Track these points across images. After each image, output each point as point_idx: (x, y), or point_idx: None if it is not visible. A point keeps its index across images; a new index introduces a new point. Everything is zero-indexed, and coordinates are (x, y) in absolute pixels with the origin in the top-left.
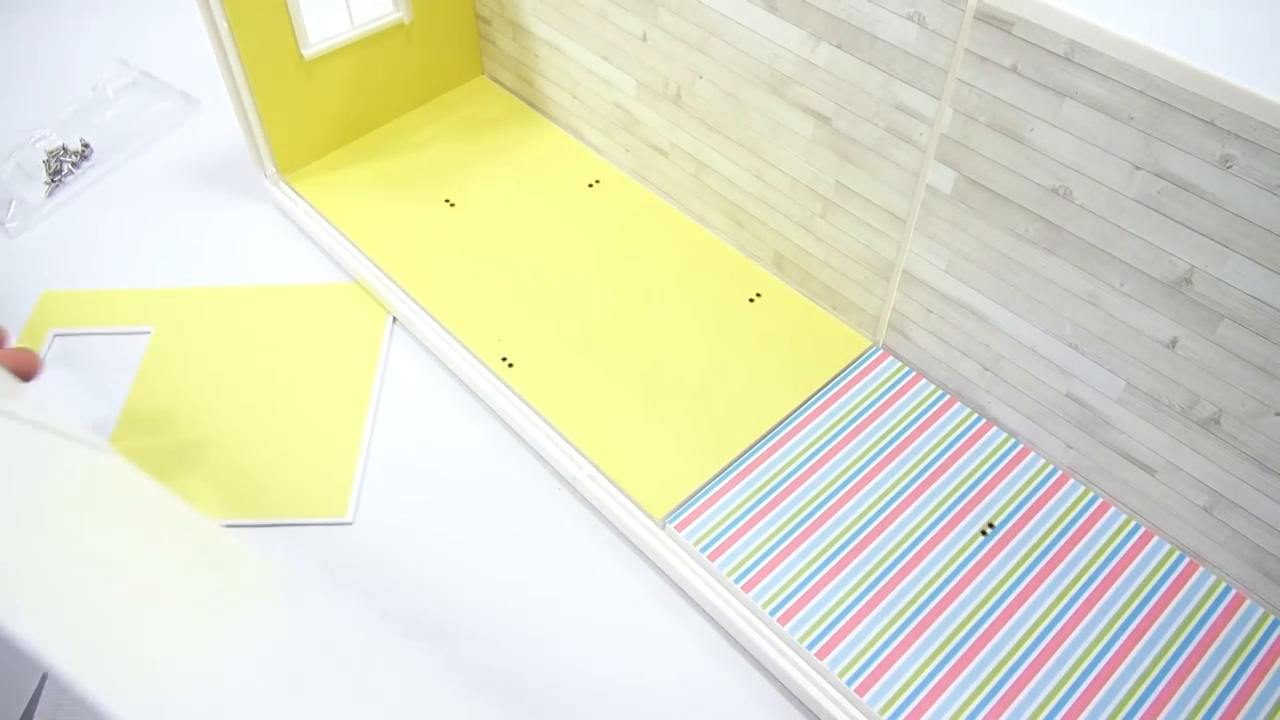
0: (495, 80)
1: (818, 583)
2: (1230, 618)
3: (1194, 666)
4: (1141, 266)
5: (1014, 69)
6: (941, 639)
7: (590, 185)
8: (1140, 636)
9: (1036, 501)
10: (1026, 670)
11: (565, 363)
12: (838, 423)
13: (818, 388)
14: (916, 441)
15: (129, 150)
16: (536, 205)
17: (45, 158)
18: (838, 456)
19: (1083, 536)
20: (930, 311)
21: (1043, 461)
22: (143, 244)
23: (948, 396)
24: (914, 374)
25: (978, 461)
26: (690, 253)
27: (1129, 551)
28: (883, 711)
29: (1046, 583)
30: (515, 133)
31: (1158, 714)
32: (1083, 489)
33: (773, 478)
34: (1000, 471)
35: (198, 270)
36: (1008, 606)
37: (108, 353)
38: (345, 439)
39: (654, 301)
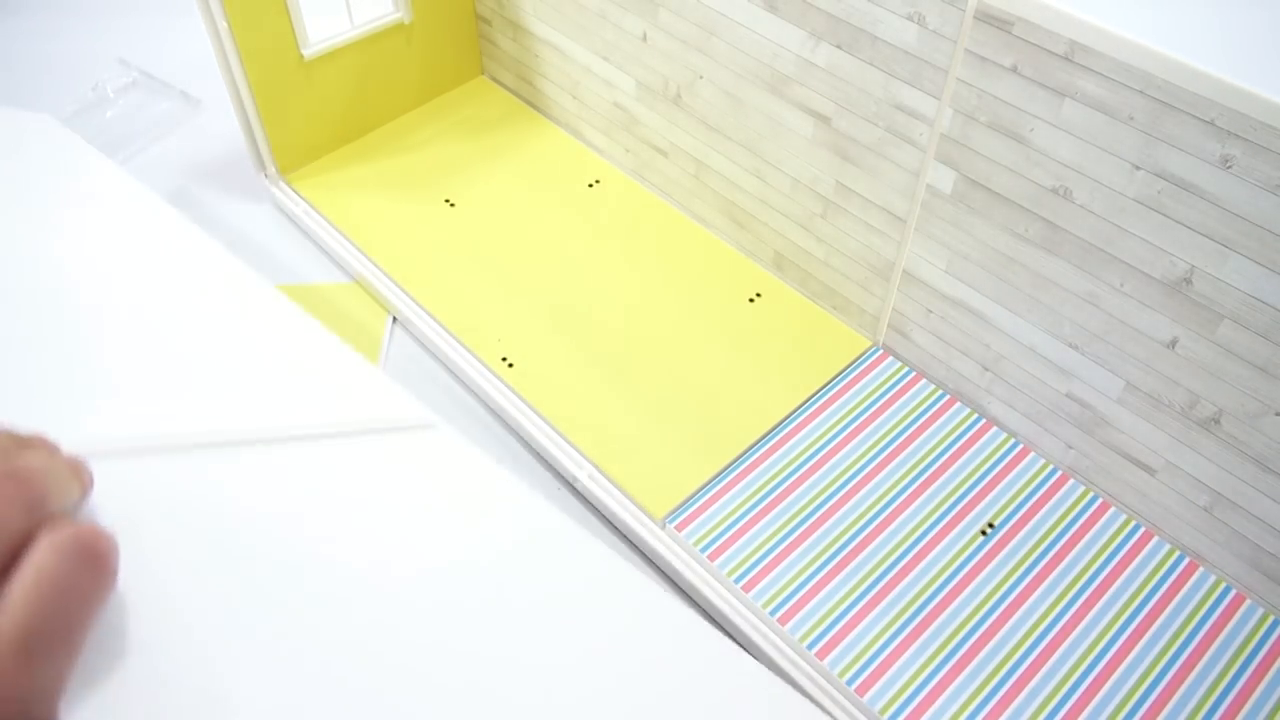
0: (495, 80)
1: (818, 583)
2: (1230, 618)
3: (1194, 666)
4: (1141, 266)
5: (1014, 69)
6: (941, 639)
7: (590, 185)
8: (1140, 636)
9: (1036, 501)
10: (1026, 670)
11: (565, 363)
12: (838, 423)
13: (818, 388)
14: (916, 441)
15: (129, 150)
16: (536, 205)
17: None
18: (838, 456)
19: (1083, 536)
20: (930, 311)
21: (1043, 461)
22: None
23: (948, 396)
24: (914, 374)
25: (978, 461)
26: (690, 253)
27: (1129, 551)
28: (883, 711)
29: (1046, 583)
30: (515, 133)
31: (1158, 714)
32: (1083, 489)
33: (773, 478)
34: (1000, 471)
35: None
36: (1008, 606)
37: None
38: None
39: (654, 301)
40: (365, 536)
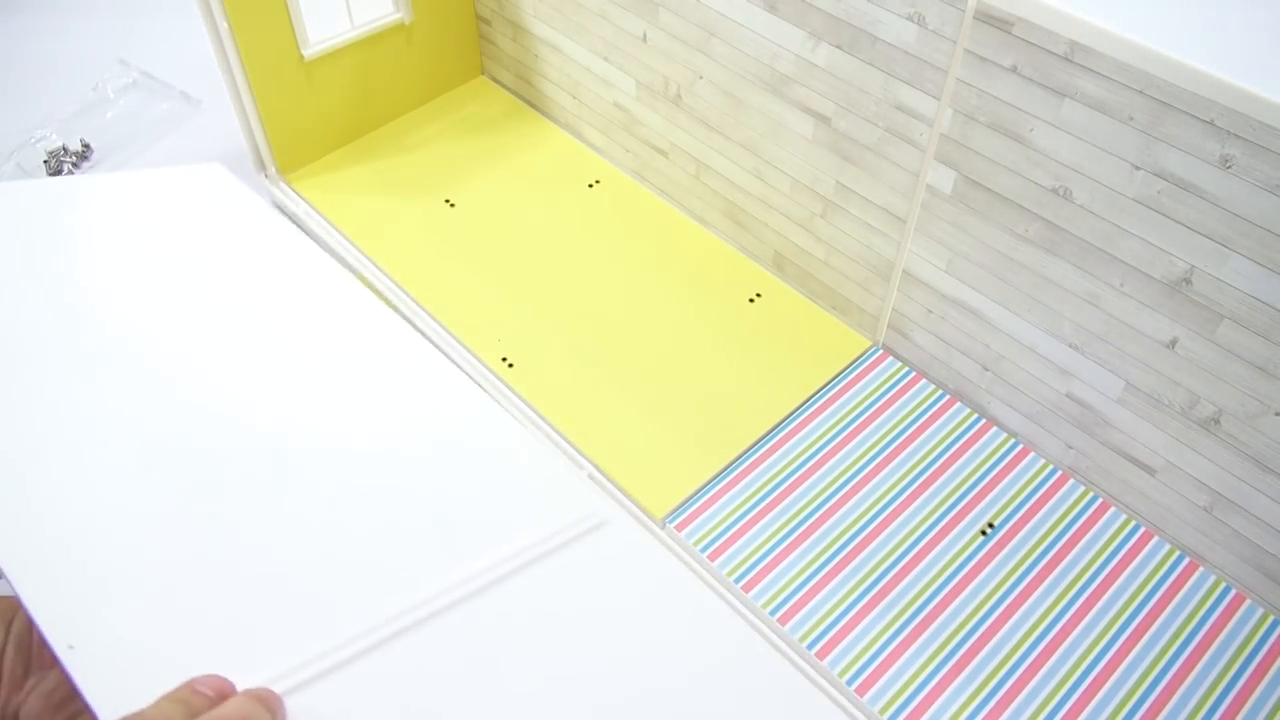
0: (495, 80)
1: (818, 583)
2: (1230, 618)
3: (1194, 666)
4: (1141, 266)
5: (1014, 69)
6: (941, 639)
7: (590, 185)
8: (1140, 636)
9: (1036, 501)
10: (1026, 670)
11: (565, 363)
12: (838, 423)
13: (818, 388)
14: (916, 441)
15: (129, 150)
16: (536, 205)
17: (46, 158)
18: (838, 456)
19: (1083, 536)
20: (930, 311)
21: (1043, 461)
22: None
23: (948, 396)
24: (914, 374)
25: (978, 461)
26: (690, 253)
27: (1129, 551)
28: (883, 711)
29: (1046, 583)
30: (515, 133)
31: (1158, 714)
32: (1083, 489)
33: (773, 478)
34: (1000, 471)
35: None
36: (1008, 606)
37: None
38: None
39: (654, 301)
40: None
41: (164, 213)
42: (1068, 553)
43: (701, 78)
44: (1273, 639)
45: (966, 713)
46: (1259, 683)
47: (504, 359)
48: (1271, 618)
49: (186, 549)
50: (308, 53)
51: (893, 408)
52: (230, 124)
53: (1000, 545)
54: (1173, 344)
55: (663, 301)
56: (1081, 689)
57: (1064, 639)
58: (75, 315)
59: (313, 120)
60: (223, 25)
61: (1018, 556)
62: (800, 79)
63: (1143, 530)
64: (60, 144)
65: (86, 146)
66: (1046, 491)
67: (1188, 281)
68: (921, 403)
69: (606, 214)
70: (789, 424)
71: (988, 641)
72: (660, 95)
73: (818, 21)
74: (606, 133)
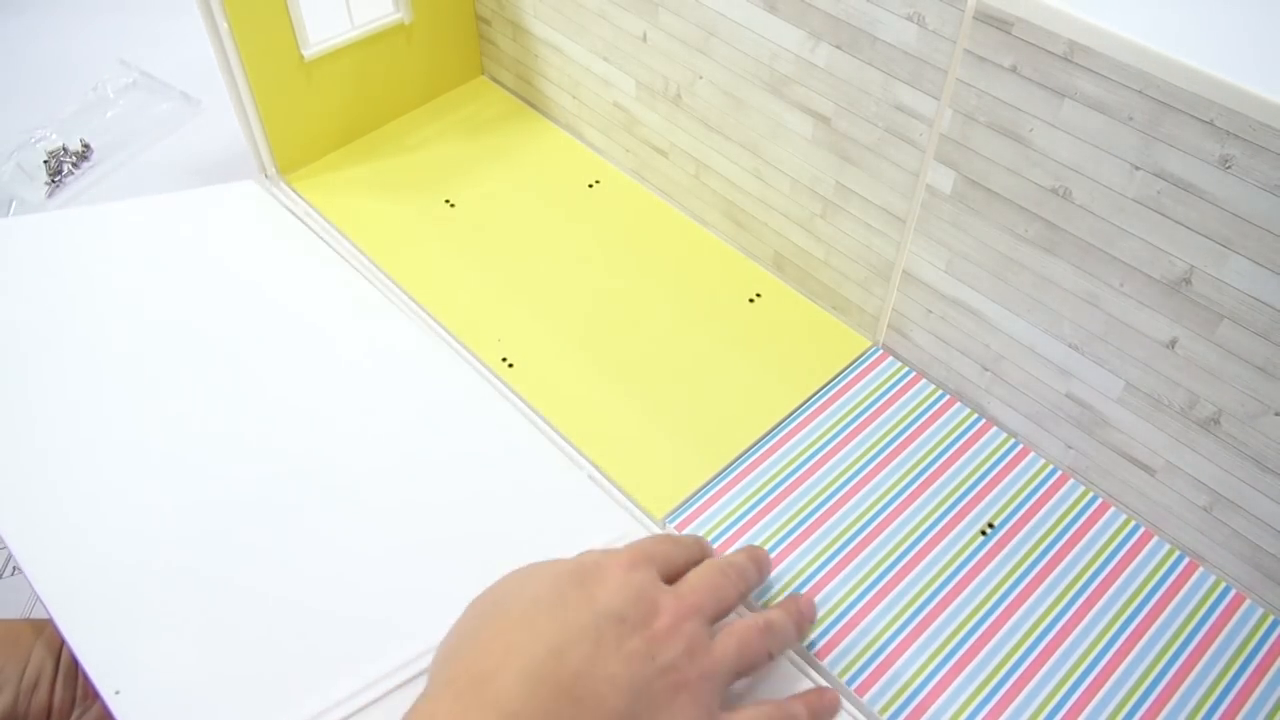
0: (495, 80)
1: (817, 583)
2: (1230, 618)
3: (1194, 666)
4: (1141, 266)
5: (1014, 69)
6: (941, 639)
7: (590, 185)
8: (1140, 636)
9: (1036, 501)
10: (1026, 670)
11: (565, 363)
12: (838, 423)
13: (818, 388)
14: (916, 441)
15: (129, 150)
16: (536, 205)
17: (45, 158)
18: (838, 457)
19: (1082, 537)
20: (930, 311)
21: (1043, 461)
22: None
23: (948, 396)
24: (914, 374)
25: (978, 461)
26: (690, 253)
27: (1129, 552)
28: (883, 711)
29: (1046, 583)
30: (515, 133)
31: (1158, 714)
32: (1083, 489)
33: (773, 478)
34: (1000, 471)
35: None
36: (1008, 606)
37: None
38: None
39: (654, 301)
40: None
41: (194, 230)
42: (1068, 553)
43: (701, 78)
44: (1273, 639)
45: (966, 713)
46: (1259, 683)
47: (504, 359)
48: (1271, 618)
49: (231, 590)
50: (308, 53)
51: (893, 408)
52: (230, 124)
53: (1000, 545)
54: (1172, 344)
55: (662, 301)
56: (1081, 689)
57: (1064, 639)
58: (125, 352)
59: (313, 120)
60: (223, 25)
61: (1018, 556)
62: (800, 79)
63: (1142, 530)
64: (60, 144)
65: (86, 146)
66: (1046, 491)
67: (1187, 281)
68: (921, 403)
69: (606, 214)
70: (789, 424)
71: (988, 641)
72: (660, 95)
73: (817, 21)
74: (606, 133)
